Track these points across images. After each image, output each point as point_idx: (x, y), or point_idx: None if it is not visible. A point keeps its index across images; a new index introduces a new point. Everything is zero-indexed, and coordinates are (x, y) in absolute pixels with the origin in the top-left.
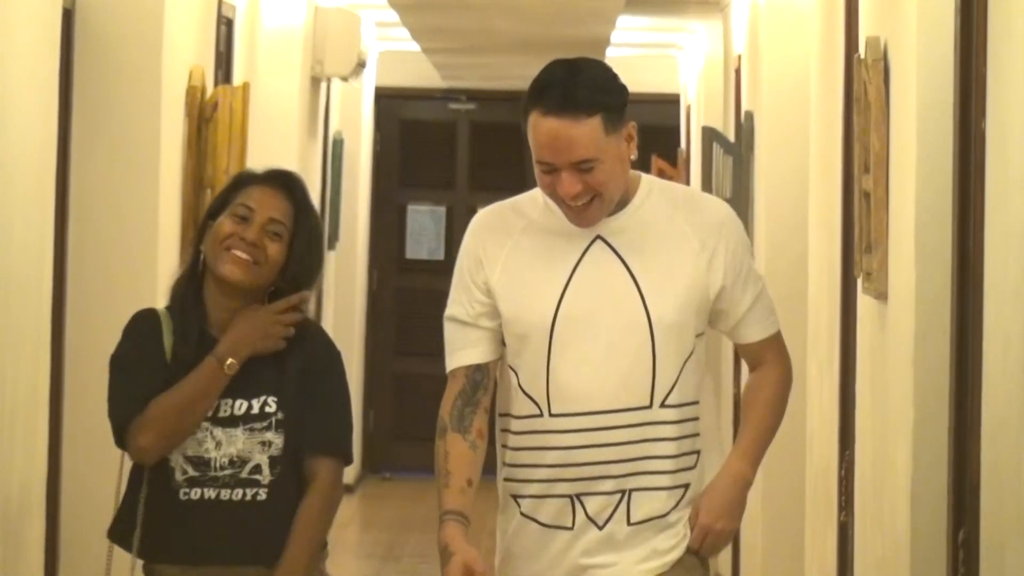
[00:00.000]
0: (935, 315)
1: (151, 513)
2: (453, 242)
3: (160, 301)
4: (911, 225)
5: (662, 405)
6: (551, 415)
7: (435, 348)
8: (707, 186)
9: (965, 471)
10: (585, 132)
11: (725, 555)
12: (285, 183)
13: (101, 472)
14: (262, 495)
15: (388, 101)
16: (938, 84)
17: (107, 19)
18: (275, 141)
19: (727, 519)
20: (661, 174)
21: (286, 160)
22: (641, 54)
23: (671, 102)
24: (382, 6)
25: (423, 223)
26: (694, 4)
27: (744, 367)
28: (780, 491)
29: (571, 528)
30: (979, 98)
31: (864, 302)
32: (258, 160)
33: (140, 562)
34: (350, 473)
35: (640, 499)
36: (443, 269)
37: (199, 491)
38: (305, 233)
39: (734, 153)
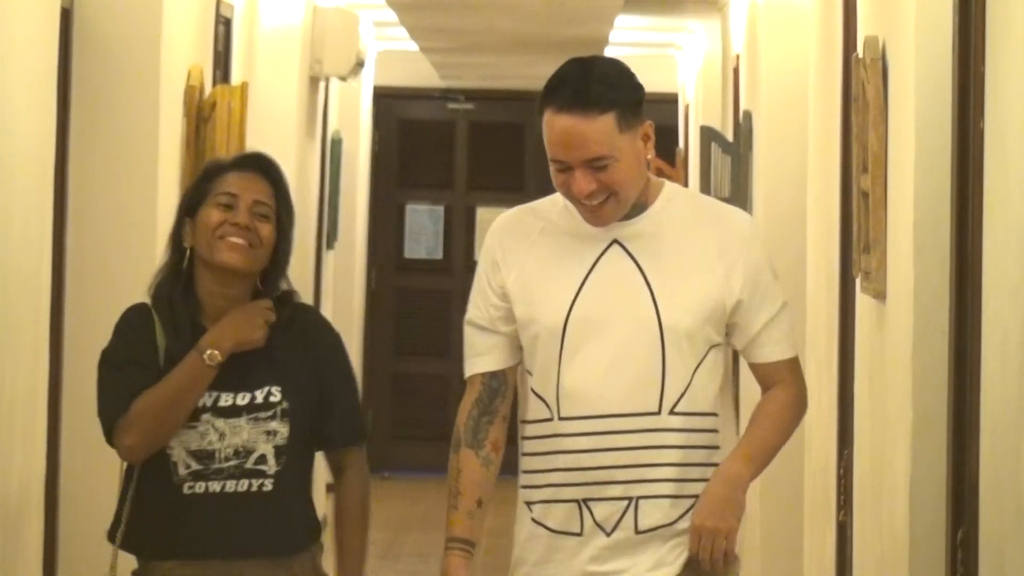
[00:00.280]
0: (934, 314)
1: (153, 511)
2: (451, 242)
3: None
4: (909, 224)
5: (671, 412)
6: (560, 418)
7: (434, 348)
8: (705, 186)
9: (964, 470)
10: (598, 129)
11: None
12: (259, 166)
13: (100, 470)
14: (268, 486)
15: (387, 101)
16: (936, 83)
17: (105, 18)
18: (273, 140)
19: (717, 517)
20: (660, 173)
21: (284, 160)
22: (639, 54)
23: (669, 102)
24: (380, 6)
25: (421, 222)
26: (692, 4)
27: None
28: (779, 490)
29: (579, 534)
30: (977, 97)
31: (862, 301)
32: None
33: (134, 563)
34: None
35: (647, 507)
36: (442, 269)
37: (203, 485)
38: (287, 211)
39: (732, 153)
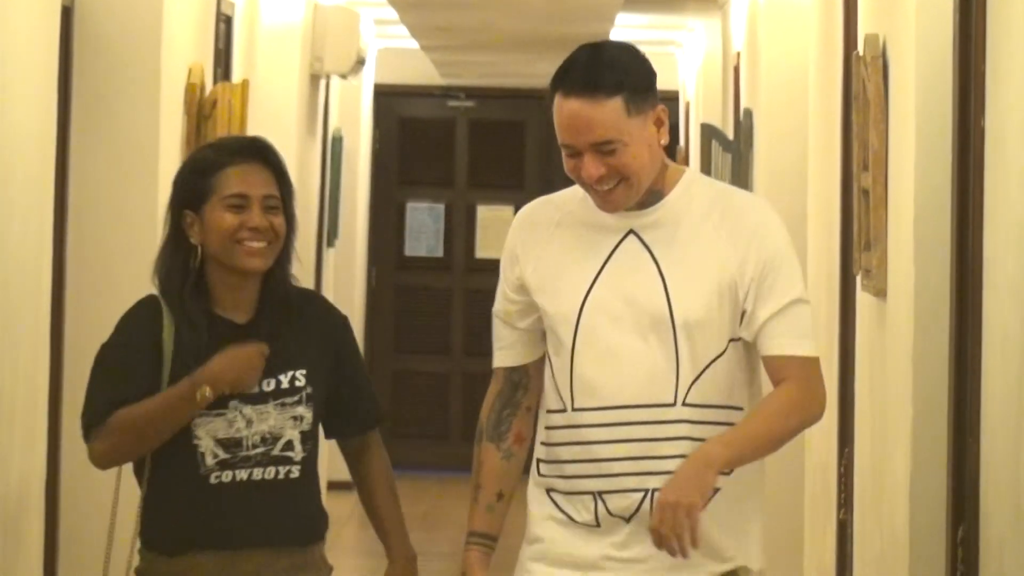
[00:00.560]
0: (934, 312)
1: (177, 503)
2: (452, 239)
3: None
4: (910, 222)
5: (685, 404)
6: (574, 409)
7: (434, 346)
8: None
9: (964, 468)
10: (605, 112)
11: None
12: (259, 154)
13: (100, 470)
14: (295, 472)
15: (387, 98)
16: (937, 81)
17: (106, 16)
18: (274, 138)
19: (679, 492)
20: None
21: (285, 157)
22: None
23: (670, 99)
24: (381, 3)
25: (422, 220)
26: (693, 1)
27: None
28: (779, 488)
29: (597, 526)
30: (978, 95)
31: (863, 299)
32: None
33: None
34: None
35: None
36: (442, 266)
37: (230, 473)
38: (290, 195)
39: (733, 150)
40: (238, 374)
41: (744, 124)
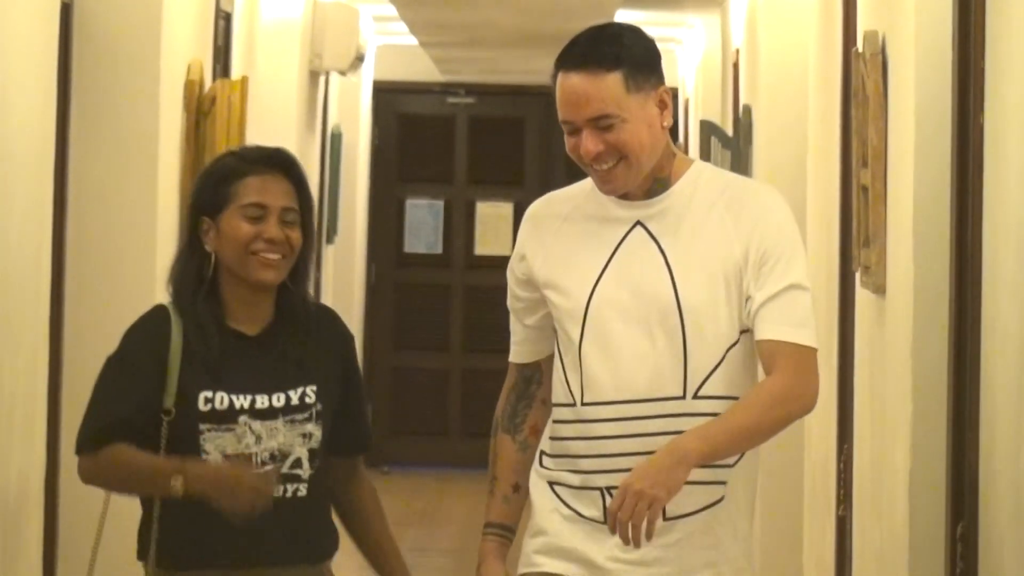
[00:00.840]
0: (933, 309)
1: (186, 521)
2: (451, 236)
3: (158, 295)
4: (909, 219)
5: (695, 396)
6: (583, 404)
7: (433, 342)
8: None
9: (963, 464)
10: (603, 87)
11: None
12: (281, 166)
13: None
14: (303, 491)
15: (386, 95)
16: (936, 78)
17: (105, 13)
18: (273, 135)
19: (648, 482)
20: None
21: None
22: None
23: None
24: (380, 0)
25: (421, 217)
26: None
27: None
28: (778, 485)
29: (604, 522)
30: (977, 92)
31: (862, 296)
32: None
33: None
34: None
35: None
36: (441, 263)
37: None
38: (310, 209)
39: (732, 147)
40: (222, 496)
41: (743, 121)
